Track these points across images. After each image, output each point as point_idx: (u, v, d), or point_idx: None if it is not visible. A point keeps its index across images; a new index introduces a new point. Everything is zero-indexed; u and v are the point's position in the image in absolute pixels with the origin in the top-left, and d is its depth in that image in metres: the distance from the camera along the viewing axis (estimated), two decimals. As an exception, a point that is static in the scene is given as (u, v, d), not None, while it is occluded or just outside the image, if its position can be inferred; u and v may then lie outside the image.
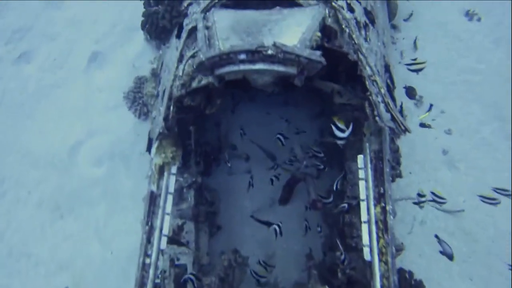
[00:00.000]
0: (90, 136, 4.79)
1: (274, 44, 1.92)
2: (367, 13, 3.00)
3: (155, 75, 3.85)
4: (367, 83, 2.37)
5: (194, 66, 2.25)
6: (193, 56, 2.58)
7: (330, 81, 2.86)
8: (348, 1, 2.79)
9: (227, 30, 2.16)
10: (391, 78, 3.30)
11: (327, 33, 2.44)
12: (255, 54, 1.92)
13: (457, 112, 4.50)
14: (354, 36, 2.39)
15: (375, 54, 2.94)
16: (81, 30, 5.57)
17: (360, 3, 2.91)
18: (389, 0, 4.13)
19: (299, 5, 2.60)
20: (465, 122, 4.45)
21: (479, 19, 4.97)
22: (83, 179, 4.52)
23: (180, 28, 3.01)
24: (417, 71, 3.20)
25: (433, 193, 3.22)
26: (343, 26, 2.49)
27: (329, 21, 2.48)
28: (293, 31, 2.09)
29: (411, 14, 5.06)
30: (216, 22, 2.29)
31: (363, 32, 2.81)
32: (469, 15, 4.98)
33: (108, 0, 5.77)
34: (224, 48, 1.98)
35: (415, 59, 3.22)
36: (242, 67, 2.00)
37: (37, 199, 4.44)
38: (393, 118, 2.24)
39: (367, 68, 2.32)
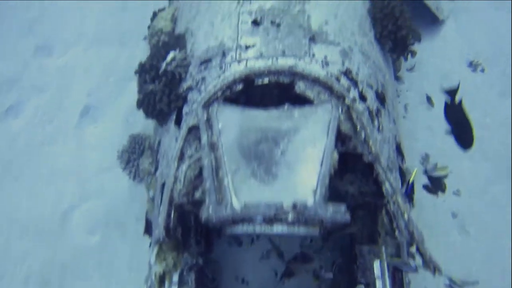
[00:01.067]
0: (83, 200, 4.53)
1: (294, 207, 1.73)
2: (378, 95, 2.84)
3: (151, 148, 3.65)
4: (390, 203, 2.20)
5: (198, 196, 2.07)
6: (195, 158, 2.39)
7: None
8: (360, 89, 2.63)
9: (235, 151, 1.97)
10: (402, 159, 3.14)
11: (342, 137, 2.28)
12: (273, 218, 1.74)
13: (465, 171, 4.35)
14: (370, 143, 2.22)
15: (388, 142, 2.77)
16: (72, 80, 5.34)
17: (371, 87, 2.75)
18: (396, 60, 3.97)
19: (309, 100, 2.44)
20: (474, 182, 4.30)
21: (482, 70, 4.87)
22: (75, 249, 4.25)
23: (179, 115, 2.82)
24: (440, 178, 3.05)
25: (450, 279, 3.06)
26: (358, 128, 2.32)
27: (344, 125, 2.31)
28: (309, 156, 1.91)
29: (414, 65, 4.94)
30: (221, 133, 2.10)
31: (376, 122, 2.64)
32: (473, 65, 4.87)
33: (103, 47, 5.59)
34: (237, 205, 1.78)
35: (435, 165, 3.11)
36: (258, 229, 1.82)
37: (24, 273, 4.16)
38: (422, 257, 2.07)
39: (387, 185, 2.15)
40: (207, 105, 2.54)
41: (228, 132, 2.14)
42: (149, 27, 4.85)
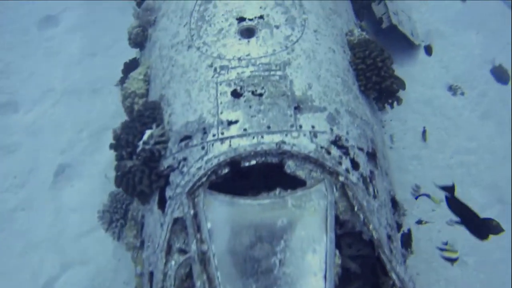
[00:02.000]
0: (65, 269, 4.23)
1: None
2: (370, 155, 2.73)
3: (135, 219, 3.42)
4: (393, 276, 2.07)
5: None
6: (184, 253, 2.20)
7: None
8: (352, 156, 2.50)
9: (229, 264, 1.80)
10: (398, 212, 3.05)
11: (339, 221, 2.14)
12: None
13: (457, 200, 4.32)
14: (370, 225, 2.10)
15: (385, 206, 2.66)
16: (43, 138, 5.03)
17: (362, 150, 2.63)
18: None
19: (302, 180, 2.29)
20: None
21: (462, 93, 4.88)
22: (61, 327, 3.97)
23: (162, 197, 2.63)
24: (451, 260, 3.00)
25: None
26: (356, 208, 2.19)
27: (340, 205, 2.18)
28: (311, 267, 1.76)
29: (395, 93, 4.90)
30: (212, 237, 1.92)
31: (371, 188, 2.52)
32: (452, 89, 4.88)
33: (73, 99, 5.31)
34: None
35: (446, 243, 3.09)
36: None
37: None
38: None
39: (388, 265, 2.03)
40: (192, 192, 2.36)
41: (219, 235, 1.96)
42: (121, 83, 4.65)
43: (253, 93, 2.57)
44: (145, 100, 3.46)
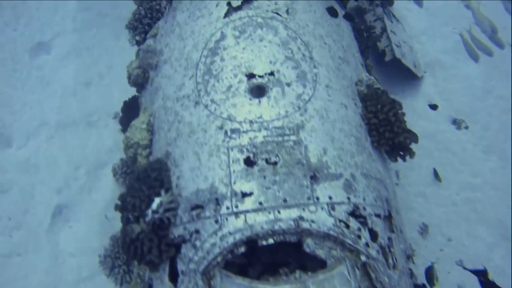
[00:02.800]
0: (64, 320, 4.09)
1: None
2: (386, 219, 2.66)
3: (141, 278, 3.29)
4: None
5: None
6: None
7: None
8: (370, 225, 2.43)
9: None
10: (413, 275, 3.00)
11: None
12: None
13: (464, 238, 4.30)
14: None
15: (403, 273, 2.60)
16: (38, 176, 4.83)
17: (379, 216, 2.56)
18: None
19: (319, 257, 2.20)
20: (474, 249, 4.26)
21: (466, 127, 4.86)
22: None
23: (173, 269, 2.51)
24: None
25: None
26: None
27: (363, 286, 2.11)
28: None
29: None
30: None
31: (390, 259, 2.45)
32: (457, 123, 4.86)
33: (68, 133, 5.13)
34: None
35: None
36: None
37: None
38: None
39: None
40: (207, 272, 2.25)
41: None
42: (121, 123, 4.50)
43: (267, 161, 2.47)
44: (148, 151, 3.34)
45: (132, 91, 5.35)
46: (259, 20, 3.09)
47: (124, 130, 4.29)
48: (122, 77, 5.76)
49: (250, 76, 2.84)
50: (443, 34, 5.65)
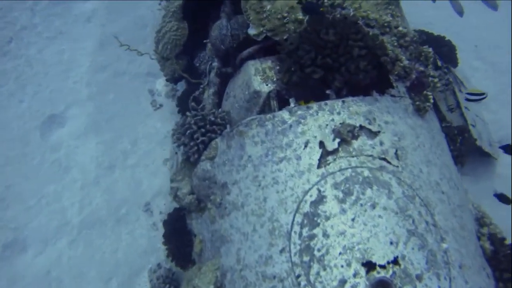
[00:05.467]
0: None
1: None
2: None
3: None
4: None
5: None
6: None
7: None
8: None
9: None
10: None
11: None
12: None
13: None
14: None
15: None
16: (62, 291, 4.16)
17: None
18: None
19: None
20: None
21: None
22: None
23: None
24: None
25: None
26: None
27: None
28: None
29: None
30: None
31: None
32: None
33: (93, 235, 4.42)
34: None
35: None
36: None
37: None
38: None
39: None
40: None
41: None
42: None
43: None
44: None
45: (163, 174, 4.70)
46: (366, 173, 2.43)
47: (169, 251, 3.62)
48: (148, 154, 5.13)
49: (368, 265, 2.19)
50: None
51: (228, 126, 3.13)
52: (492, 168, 4.57)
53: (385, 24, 2.99)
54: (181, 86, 5.25)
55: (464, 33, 4.78)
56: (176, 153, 4.24)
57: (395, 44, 2.91)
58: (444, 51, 4.85)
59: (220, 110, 3.35)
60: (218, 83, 3.73)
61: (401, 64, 2.81)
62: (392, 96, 2.78)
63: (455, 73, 4.90)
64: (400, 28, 2.95)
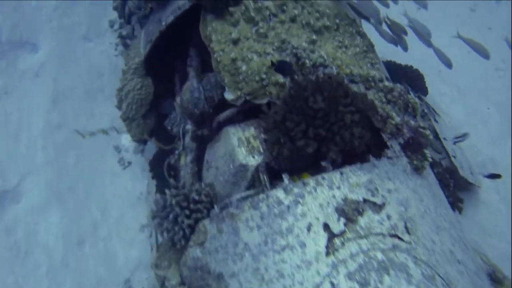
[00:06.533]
0: None
1: None
2: None
3: None
4: None
5: None
6: None
7: None
8: None
9: None
10: None
11: None
12: None
13: None
14: None
15: None
16: None
17: None
18: None
19: None
20: None
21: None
22: None
23: None
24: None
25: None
26: None
27: None
28: None
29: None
30: None
31: None
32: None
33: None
34: None
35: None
36: None
37: None
38: None
39: None
40: None
41: None
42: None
43: None
44: None
45: (140, 243, 4.31)
46: (379, 256, 2.20)
47: None
48: (121, 221, 4.66)
49: None
50: (486, 119, 5.14)
51: (214, 205, 2.80)
52: (475, 196, 4.58)
53: (369, 79, 2.85)
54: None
55: (426, 59, 4.80)
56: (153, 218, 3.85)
57: (383, 100, 2.76)
58: (413, 81, 4.87)
59: (202, 184, 3.03)
60: (195, 148, 3.41)
61: (393, 122, 2.66)
62: (389, 158, 2.62)
63: (427, 101, 4.92)
64: (386, 83, 2.81)
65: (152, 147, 4.49)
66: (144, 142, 4.23)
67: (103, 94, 5.73)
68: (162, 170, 3.91)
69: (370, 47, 3.33)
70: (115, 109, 4.52)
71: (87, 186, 4.78)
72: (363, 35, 3.30)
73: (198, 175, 3.34)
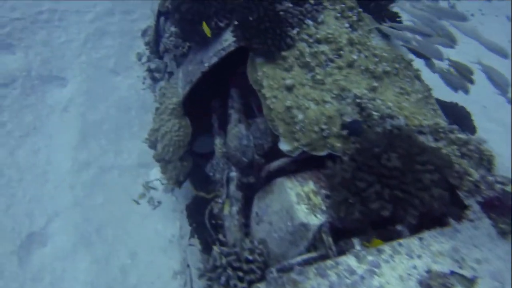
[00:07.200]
0: None
1: None
2: None
3: None
4: None
5: None
6: None
7: None
8: None
9: None
10: None
11: None
12: None
13: None
14: None
15: None
16: None
17: None
18: None
19: None
20: None
21: None
22: None
23: None
24: None
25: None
26: None
27: None
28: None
29: None
30: None
31: None
32: None
33: None
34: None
35: None
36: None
37: None
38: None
39: None
40: None
41: None
42: None
43: None
44: None
45: None
46: None
47: None
48: (152, 267, 4.41)
49: None
50: None
51: (272, 268, 2.54)
52: None
53: (439, 130, 2.62)
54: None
55: (469, 95, 4.58)
56: (188, 265, 3.64)
57: (457, 154, 2.52)
58: (460, 119, 4.61)
59: (255, 241, 2.78)
60: (241, 197, 3.18)
61: (471, 179, 2.41)
62: (470, 220, 2.35)
63: (475, 140, 4.65)
64: (459, 135, 2.58)
65: (184, 186, 4.29)
66: (180, 185, 4.02)
67: (130, 129, 5.60)
68: (198, 214, 3.70)
69: (429, 91, 3.13)
70: (142, 144, 4.39)
71: (115, 229, 4.55)
72: (421, 79, 3.11)
73: (245, 226, 3.10)
